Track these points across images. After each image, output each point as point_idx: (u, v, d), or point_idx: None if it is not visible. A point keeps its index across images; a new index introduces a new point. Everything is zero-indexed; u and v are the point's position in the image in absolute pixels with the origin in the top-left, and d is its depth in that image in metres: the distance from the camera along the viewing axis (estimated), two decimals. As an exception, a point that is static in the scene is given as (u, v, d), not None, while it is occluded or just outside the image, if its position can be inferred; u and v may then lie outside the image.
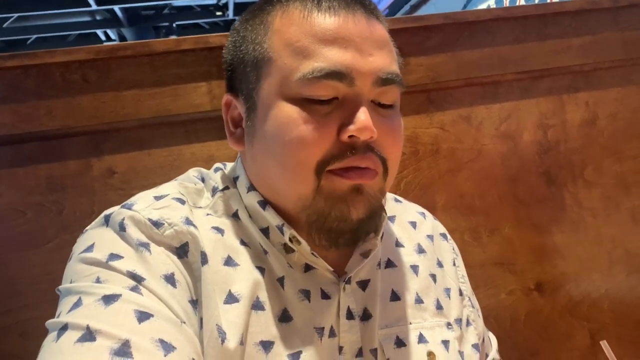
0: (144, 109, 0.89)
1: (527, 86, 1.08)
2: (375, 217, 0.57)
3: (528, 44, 1.06)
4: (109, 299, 0.47)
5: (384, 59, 0.54)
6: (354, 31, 0.53)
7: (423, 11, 6.44)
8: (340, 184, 0.53)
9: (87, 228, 0.56)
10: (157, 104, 0.89)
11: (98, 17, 10.24)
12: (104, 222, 0.55)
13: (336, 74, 0.52)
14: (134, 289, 0.48)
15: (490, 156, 1.05)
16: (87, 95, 0.87)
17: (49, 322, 0.47)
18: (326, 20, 0.53)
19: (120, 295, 0.47)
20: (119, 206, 0.56)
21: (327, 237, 0.55)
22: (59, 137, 0.87)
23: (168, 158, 0.91)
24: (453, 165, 1.04)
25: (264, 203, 0.58)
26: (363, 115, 0.52)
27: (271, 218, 0.58)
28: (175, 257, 0.53)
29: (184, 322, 0.50)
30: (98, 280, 0.49)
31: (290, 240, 0.57)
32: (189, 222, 0.55)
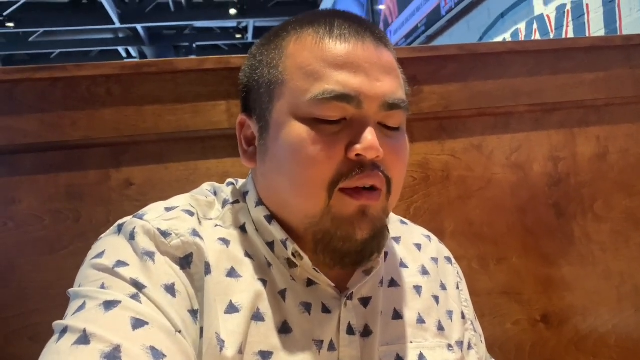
0: (164, 124, 0.92)
1: (539, 118, 1.09)
2: (379, 237, 0.59)
3: (541, 77, 1.08)
4: (109, 305, 0.49)
5: (390, 85, 0.57)
6: (362, 57, 0.56)
7: (439, 42, 6.52)
8: (349, 204, 0.55)
9: (101, 236, 0.60)
10: (177, 119, 0.92)
11: (121, 35, 10.49)
12: (117, 231, 0.58)
13: (345, 97, 0.55)
14: (134, 297, 0.51)
15: (500, 185, 1.07)
16: (111, 109, 0.91)
17: (55, 324, 0.50)
18: (337, 47, 0.56)
19: (120, 302, 0.50)
20: (131, 216, 0.59)
21: (332, 256, 0.58)
22: (80, 148, 0.90)
23: (184, 172, 0.93)
24: (463, 192, 1.05)
25: (270, 218, 0.61)
26: (370, 135, 0.54)
27: (276, 232, 0.60)
28: (177, 268, 0.56)
29: (180, 332, 0.51)
30: (103, 286, 0.52)
31: (293, 255, 0.59)
32: (195, 233, 0.58)
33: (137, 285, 0.52)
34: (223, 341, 0.53)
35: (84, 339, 0.46)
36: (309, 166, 0.55)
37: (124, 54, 11.62)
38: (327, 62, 0.56)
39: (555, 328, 1.07)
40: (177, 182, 0.93)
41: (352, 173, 0.55)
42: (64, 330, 0.48)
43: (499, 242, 1.06)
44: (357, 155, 0.54)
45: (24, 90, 0.88)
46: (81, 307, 0.50)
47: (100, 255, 0.55)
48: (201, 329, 0.54)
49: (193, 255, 0.56)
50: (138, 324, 0.49)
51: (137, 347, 0.47)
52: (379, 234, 0.59)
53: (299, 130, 0.55)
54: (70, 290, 0.54)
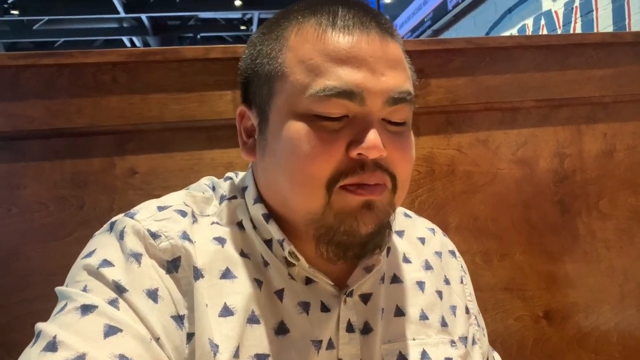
0: (169, 112, 0.92)
1: (546, 114, 1.09)
2: (383, 231, 0.58)
3: (549, 73, 1.08)
4: (86, 309, 0.50)
5: (396, 79, 0.55)
6: (367, 51, 0.54)
7: (445, 37, 6.49)
8: (351, 200, 0.54)
9: (95, 233, 0.59)
10: (182, 108, 0.92)
11: (125, 25, 10.46)
12: (109, 229, 0.58)
13: (347, 93, 0.52)
14: (112, 302, 0.51)
15: (505, 181, 1.06)
16: (116, 96, 0.90)
17: (36, 326, 0.50)
18: (340, 40, 0.54)
19: (97, 307, 0.50)
20: (124, 213, 0.59)
21: (335, 250, 0.56)
22: (86, 135, 0.90)
23: (189, 162, 0.93)
24: (468, 187, 1.04)
25: (268, 216, 0.60)
26: (372, 135, 0.52)
27: (274, 232, 0.59)
28: (163, 272, 0.55)
29: (158, 339, 0.51)
30: (85, 289, 0.52)
31: (290, 254, 0.58)
32: (185, 236, 0.57)
33: (119, 289, 0.52)
34: (217, 346, 0.53)
35: (52, 345, 0.46)
36: (307, 164, 0.53)
37: (128, 44, 11.60)
38: (329, 56, 0.53)
39: (557, 325, 1.07)
40: (182, 172, 0.92)
41: (353, 172, 0.53)
42: (38, 334, 0.49)
43: (503, 238, 1.05)
44: (359, 154, 0.53)
45: (30, 76, 0.88)
46: (61, 309, 0.51)
47: (90, 254, 0.55)
48: (187, 335, 0.53)
49: (181, 258, 0.56)
50: (111, 331, 0.48)
51: (104, 355, 0.47)
52: (384, 228, 0.58)
53: (298, 127, 0.54)
54: (58, 288, 0.54)
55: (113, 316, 0.50)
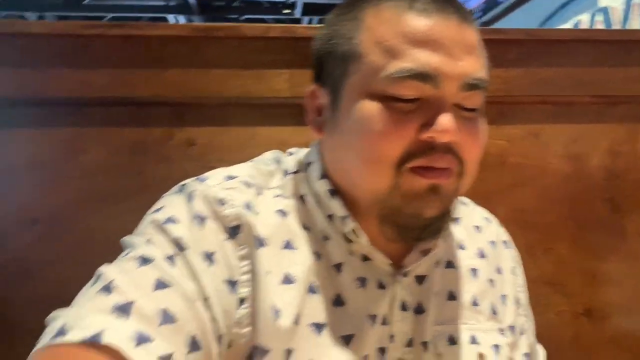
0: (228, 88, 0.94)
1: (601, 110, 1.07)
2: (446, 217, 0.59)
3: (606, 69, 1.05)
4: (144, 261, 0.52)
5: (472, 64, 0.55)
6: (445, 34, 0.54)
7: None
8: (418, 182, 0.54)
9: (164, 194, 0.62)
10: (240, 85, 0.94)
11: (171, 3, 10.58)
12: (179, 191, 0.60)
13: (422, 76, 0.53)
14: (169, 258, 0.53)
15: (555, 175, 1.05)
16: (178, 69, 0.93)
17: (99, 268, 0.52)
18: (418, 22, 0.54)
19: (154, 260, 0.52)
20: (194, 178, 0.61)
21: (397, 231, 0.58)
22: (147, 105, 0.93)
23: (244, 137, 0.95)
24: (517, 179, 1.04)
25: (334, 192, 0.61)
26: (446, 118, 0.53)
27: (337, 208, 0.60)
28: (225, 237, 0.56)
29: (207, 299, 0.52)
30: (148, 241, 0.54)
31: (353, 231, 0.60)
32: (248, 206, 0.58)
33: (179, 246, 0.54)
34: (279, 311, 0.55)
35: (107, 289, 0.48)
36: (378, 143, 0.54)
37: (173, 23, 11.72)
38: (407, 38, 0.53)
39: (597, 323, 1.06)
40: (237, 146, 0.95)
41: (422, 154, 0.53)
42: (100, 276, 0.51)
43: (548, 232, 1.05)
44: (430, 137, 0.53)
45: (98, 45, 0.92)
46: (125, 255, 0.53)
47: (158, 210, 0.58)
48: (240, 300, 0.55)
49: (242, 226, 0.57)
50: (160, 285, 0.50)
51: (151, 307, 0.48)
52: (447, 214, 0.58)
53: (371, 106, 0.54)
54: (124, 238, 0.57)
55: (166, 271, 0.52)
